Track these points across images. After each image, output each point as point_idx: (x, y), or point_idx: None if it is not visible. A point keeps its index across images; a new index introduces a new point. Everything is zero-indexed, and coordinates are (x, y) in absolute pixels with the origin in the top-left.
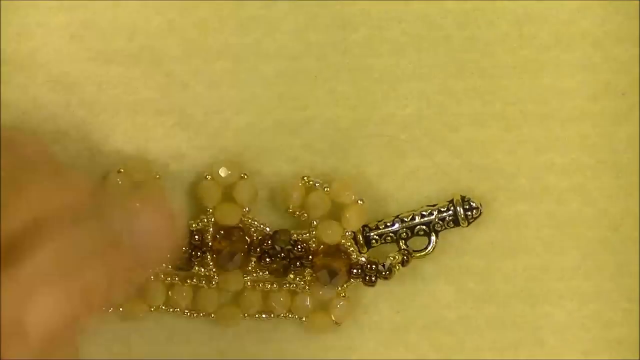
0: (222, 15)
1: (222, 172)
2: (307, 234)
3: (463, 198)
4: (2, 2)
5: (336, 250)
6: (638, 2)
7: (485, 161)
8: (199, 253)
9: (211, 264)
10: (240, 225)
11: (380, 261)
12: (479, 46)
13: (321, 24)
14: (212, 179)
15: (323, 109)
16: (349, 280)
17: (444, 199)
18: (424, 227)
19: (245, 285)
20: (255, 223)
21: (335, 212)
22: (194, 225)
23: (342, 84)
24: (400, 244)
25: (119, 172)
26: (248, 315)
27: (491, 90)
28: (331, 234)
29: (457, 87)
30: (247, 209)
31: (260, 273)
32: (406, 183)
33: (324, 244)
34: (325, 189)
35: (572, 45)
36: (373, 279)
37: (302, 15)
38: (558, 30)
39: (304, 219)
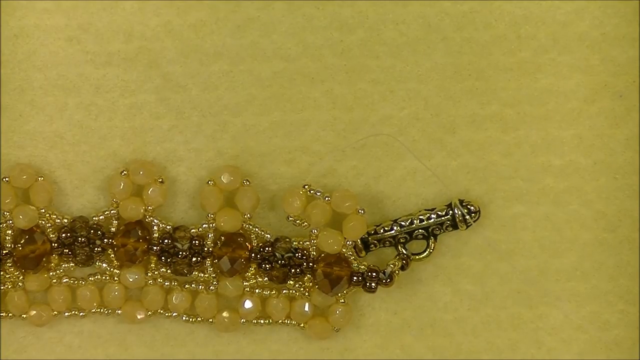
0: (219, 17)
1: (225, 178)
2: (308, 242)
3: (461, 201)
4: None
5: (337, 258)
6: (636, 4)
7: (482, 163)
8: (198, 258)
9: (210, 269)
10: (241, 231)
11: (381, 268)
12: (476, 48)
13: (318, 26)
14: (215, 184)
15: (320, 110)
16: (349, 287)
17: (440, 201)
18: (422, 231)
19: (244, 291)
20: (256, 229)
21: (336, 220)
22: (194, 230)
23: (339, 86)
24: (399, 248)
25: (122, 173)
26: (246, 321)
27: (488, 91)
28: (332, 244)
29: (454, 88)
30: (248, 215)
31: (260, 279)
32: (403, 185)
33: (324, 252)
34: (327, 199)
35: (569, 47)
36: (373, 285)
37: (299, 17)
38: (555, 32)
39: (304, 227)
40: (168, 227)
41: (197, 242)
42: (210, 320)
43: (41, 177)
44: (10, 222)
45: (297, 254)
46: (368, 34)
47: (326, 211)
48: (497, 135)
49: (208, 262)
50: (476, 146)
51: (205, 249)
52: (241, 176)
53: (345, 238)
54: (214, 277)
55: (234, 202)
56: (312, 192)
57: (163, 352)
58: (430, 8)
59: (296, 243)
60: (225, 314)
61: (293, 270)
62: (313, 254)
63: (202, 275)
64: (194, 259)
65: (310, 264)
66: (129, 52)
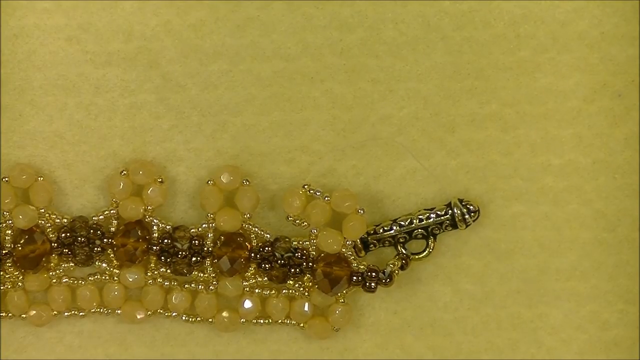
0: (219, 17)
1: (225, 177)
2: (308, 242)
3: (461, 201)
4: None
5: (336, 258)
6: (635, 3)
7: (482, 162)
8: (198, 258)
9: (210, 269)
10: (240, 231)
11: (380, 268)
12: (475, 47)
13: (317, 25)
14: (214, 184)
15: (319, 110)
16: (349, 287)
17: (440, 200)
18: (422, 230)
19: (244, 290)
20: (256, 229)
21: (335, 220)
22: (194, 230)
23: (338, 85)
24: (399, 247)
25: (121, 173)
26: (246, 321)
27: (488, 91)
28: (331, 243)
29: (453, 88)
30: (248, 215)
31: (259, 279)
32: (403, 184)
33: (324, 252)
34: (326, 199)
35: (568, 46)
36: (373, 285)
37: (299, 16)
38: (555, 31)
39: (304, 227)
40: (168, 227)
41: (196, 241)
42: (210, 320)
43: (41, 177)
44: (10, 222)
45: (296, 254)
46: (367, 33)
47: (326, 211)
48: (497, 134)
49: (208, 262)
50: (476, 145)
51: (205, 248)
52: (241, 176)
53: (345, 238)
54: (213, 277)
55: (233, 202)
56: (311, 192)
57: (163, 352)
58: (429, 7)
59: (296, 243)
60: (225, 313)
61: (293, 270)
62: (313, 254)
63: (202, 275)
64: (193, 259)
65: (310, 264)
66: (128, 52)
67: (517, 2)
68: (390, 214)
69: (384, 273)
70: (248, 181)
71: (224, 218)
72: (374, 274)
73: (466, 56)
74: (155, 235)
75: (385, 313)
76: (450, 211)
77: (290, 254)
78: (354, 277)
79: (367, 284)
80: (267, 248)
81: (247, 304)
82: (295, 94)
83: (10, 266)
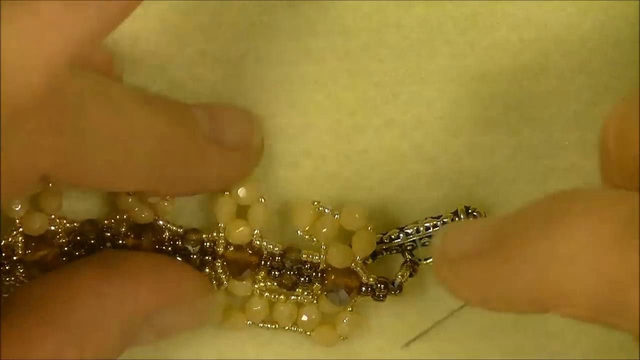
0: (222, 21)
1: (241, 192)
2: (317, 257)
3: (467, 208)
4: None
5: (346, 271)
6: (638, 6)
7: (486, 166)
8: (209, 258)
9: (220, 270)
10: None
11: (387, 273)
12: (479, 51)
13: (321, 29)
14: (230, 195)
15: (323, 114)
16: (358, 297)
17: (444, 204)
18: (428, 238)
19: (253, 292)
20: (265, 244)
21: (345, 235)
22: (204, 236)
23: (341, 89)
24: (406, 255)
25: None
26: (253, 323)
27: (491, 95)
28: (341, 261)
29: (457, 92)
30: (257, 231)
31: (269, 283)
32: (407, 189)
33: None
34: (335, 216)
35: (572, 49)
36: (382, 296)
37: (302, 20)
38: (558, 34)
39: (313, 242)
40: (180, 230)
41: (208, 244)
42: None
43: (50, 182)
44: (21, 228)
45: (306, 265)
46: (371, 37)
47: (335, 228)
48: (500, 138)
49: (218, 263)
50: (479, 149)
51: (216, 252)
52: (258, 193)
53: (354, 254)
54: (224, 277)
55: (244, 212)
56: (321, 208)
57: (166, 352)
58: (432, 11)
59: (305, 256)
60: (231, 313)
61: (302, 279)
62: (322, 266)
63: (213, 273)
64: (205, 257)
65: (320, 274)
66: (135, 56)
67: (520, 5)
68: (395, 218)
69: (393, 284)
70: (264, 199)
71: (234, 233)
72: (383, 286)
73: (469, 60)
74: (166, 237)
75: (390, 317)
76: (456, 219)
77: (300, 266)
78: (364, 288)
79: (377, 294)
80: (277, 258)
81: (255, 305)
82: (298, 98)
83: (22, 272)
